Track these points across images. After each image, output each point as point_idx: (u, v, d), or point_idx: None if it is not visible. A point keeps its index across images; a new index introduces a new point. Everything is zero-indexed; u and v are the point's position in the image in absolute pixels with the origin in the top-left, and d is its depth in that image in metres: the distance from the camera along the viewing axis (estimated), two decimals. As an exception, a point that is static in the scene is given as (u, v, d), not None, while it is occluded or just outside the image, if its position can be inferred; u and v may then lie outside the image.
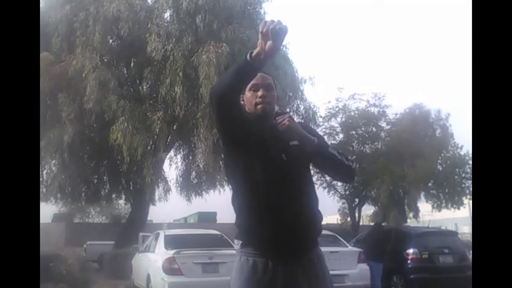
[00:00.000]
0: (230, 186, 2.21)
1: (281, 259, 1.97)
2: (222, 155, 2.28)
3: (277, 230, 1.96)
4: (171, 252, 7.65)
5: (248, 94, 2.11)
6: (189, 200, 15.16)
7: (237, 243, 2.10)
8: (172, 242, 8.24)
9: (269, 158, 2.03)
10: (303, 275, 1.99)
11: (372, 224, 23.25)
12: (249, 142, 2.03)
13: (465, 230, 29.47)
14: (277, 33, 1.72)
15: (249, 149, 2.03)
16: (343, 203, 21.35)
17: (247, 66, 1.82)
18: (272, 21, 1.72)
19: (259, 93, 2.08)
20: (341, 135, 19.87)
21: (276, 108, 2.24)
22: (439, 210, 20.94)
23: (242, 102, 2.14)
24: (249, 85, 2.07)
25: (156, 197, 14.60)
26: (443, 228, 21.18)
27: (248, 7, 12.83)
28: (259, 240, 2.00)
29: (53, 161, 12.68)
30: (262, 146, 2.04)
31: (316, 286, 2.01)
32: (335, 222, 22.85)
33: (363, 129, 19.54)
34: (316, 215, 2.11)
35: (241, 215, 2.09)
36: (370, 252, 8.91)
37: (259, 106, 2.08)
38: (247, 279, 1.98)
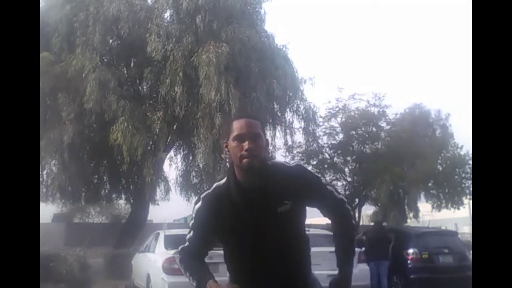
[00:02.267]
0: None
1: None
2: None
3: None
4: (171, 252, 7.64)
5: (232, 144, 1.88)
6: (189, 200, 15.15)
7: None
8: (172, 242, 8.23)
9: (253, 237, 1.89)
10: None
11: (372, 224, 23.27)
12: (230, 226, 1.92)
13: (465, 230, 29.46)
14: None
15: (230, 234, 1.95)
16: (343, 203, 21.30)
17: None
18: None
19: (245, 145, 1.83)
20: (341, 135, 19.86)
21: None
22: (439, 210, 20.94)
23: (225, 149, 1.98)
24: (234, 134, 1.88)
25: (156, 197, 14.60)
26: (443, 228, 21.19)
27: (248, 7, 12.83)
28: None
29: (53, 161, 12.68)
30: (245, 226, 1.89)
31: None
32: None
33: (363, 129, 19.53)
34: (305, 265, 2.04)
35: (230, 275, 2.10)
36: (376, 252, 8.92)
37: (244, 161, 1.83)
38: None
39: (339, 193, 2.03)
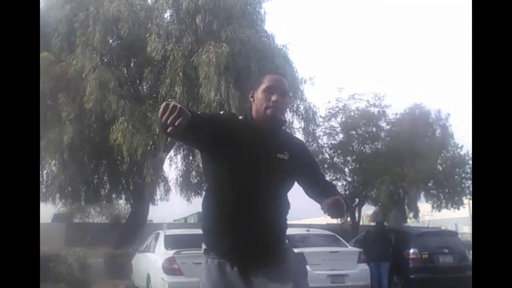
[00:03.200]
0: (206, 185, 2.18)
1: (244, 264, 1.97)
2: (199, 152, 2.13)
3: (239, 239, 1.93)
4: (171, 252, 7.65)
5: (260, 95, 2.00)
6: (189, 200, 15.17)
7: (202, 246, 2.07)
8: (172, 242, 8.24)
9: (247, 167, 1.94)
10: (270, 276, 1.96)
11: (372, 224, 23.27)
12: (232, 146, 1.93)
13: (465, 230, 29.46)
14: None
15: (229, 153, 1.94)
16: (343, 203, 21.30)
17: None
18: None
19: (273, 97, 1.97)
20: (341, 135, 19.87)
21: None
22: (439, 210, 20.94)
23: (250, 99, 2.07)
24: (264, 86, 2.00)
25: (156, 197, 14.61)
26: (443, 228, 21.19)
27: (248, 7, 12.83)
28: (220, 247, 1.99)
29: (53, 161, 12.67)
30: (245, 153, 1.94)
31: (287, 284, 1.96)
32: (335, 222, 22.85)
33: (363, 129, 19.53)
34: (281, 226, 2.08)
35: (206, 219, 2.05)
36: (377, 252, 8.93)
37: (269, 111, 1.97)
38: (216, 280, 1.98)
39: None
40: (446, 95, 51.75)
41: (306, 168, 2.11)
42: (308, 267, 5.25)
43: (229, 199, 1.95)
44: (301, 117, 13.99)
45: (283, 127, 2.16)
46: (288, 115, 13.95)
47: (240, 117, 2.08)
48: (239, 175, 1.94)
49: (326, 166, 19.59)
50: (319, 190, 2.08)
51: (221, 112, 2.18)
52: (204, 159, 2.13)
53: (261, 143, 1.98)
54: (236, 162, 1.94)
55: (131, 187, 14.53)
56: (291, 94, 2.06)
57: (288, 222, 2.18)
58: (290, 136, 2.25)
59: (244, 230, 1.93)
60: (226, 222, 1.95)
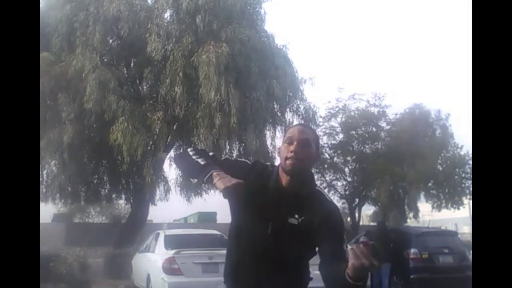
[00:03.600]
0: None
1: None
2: None
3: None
4: (171, 252, 7.66)
5: (282, 147, 1.98)
6: (189, 200, 15.16)
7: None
8: (172, 242, 8.25)
9: (255, 226, 1.95)
10: None
11: (372, 224, 23.28)
12: (250, 200, 1.94)
13: (465, 230, 29.48)
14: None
15: (244, 210, 1.98)
16: (343, 203, 21.38)
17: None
18: None
19: (292, 147, 1.91)
20: (341, 135, 19.88)
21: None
22: (439, 210, 20.96)
23: (278, 155, 2.07)
24: (285, 137, 1.98)
25: (156, 197, 14.60)
26: (443, 228, 21.21)
27: (248, 7, 12.82)
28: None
29: (53, 161, 12.66)
30: (256, 211, 1.94)
31: None
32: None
33: (363, 129, 19.55)
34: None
35: (226, 266, 2.12)
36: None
37: (288, 162, 1.90)
38: None
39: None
40: (446, 95, 51.70)
41: (321, 239, 1.88)
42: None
43: (239, 254, 2.00)
44: (301, 117, 13.98)
45: (314, 187, 2.01)
46: (288, 115, 13.97)
47: (271, 169, 2.06)
48: (247, 232, 1.97)
49: (326, 166, 19.61)
50: (326, 270, 1.81)
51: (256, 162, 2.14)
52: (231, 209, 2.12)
53: (275, 202, 1.93)
54: (248, 219, 1.97)
55: (131, 187, 14.52)
56: (319, 147, 1.94)
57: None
58: (320, 198, 1.97)
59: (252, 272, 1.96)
60: (236, 274, 2.01)
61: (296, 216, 1.90)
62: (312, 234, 1.87)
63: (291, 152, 1.90)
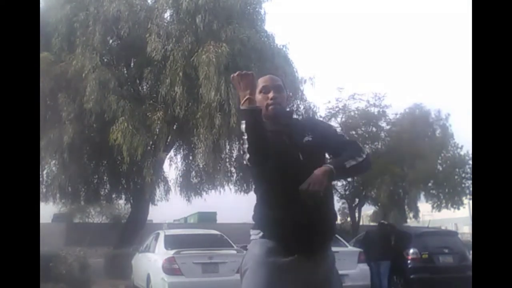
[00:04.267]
0: (255, 186, 2.27)
1: (298, 251, 2.04)
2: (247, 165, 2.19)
3: (296, 227, 2.03)
4: (171, 252, 7.66)
5: (258, 96, 2.16)
6: (189, 200, 15.16)
7: (256, 233, 2.14)
8: (172, 242, 8.25)
9: (287, 159, 2.08)
10: (315, 270, 2.06)
11: (372, 224, 23.26)
12: (268, 148, 2.06)
13: (465, 230, 29.48)
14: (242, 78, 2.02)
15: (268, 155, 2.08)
16: (343, 203, 21.38)
17: (248, 112, 1.99)
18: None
19: (270, 95, 2.16)
20: (341, 135, 19.83)
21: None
22: (439, 210, 20.96)
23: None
24: (259, 87, 2.18)
25: (156, 197, 14.60)
26: (443, 228, 21.21)
27: (248, 7, 12.82)
28: (279, 235, 2.07)
29: (53, 161, 12.67)
30: (279, 148, 2.07)
31: (326, 284, 2.09)
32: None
33: (363, 129, 19.54)
34: (332, 214, 2.18)
35: (263, 212, 2.15)
36: (377, 252, 8.94)
37: (270, 107, 2.15)
38: (264, 259, 2.04)
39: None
40: (446, 95, 51.75)
41: (328, 138, 2.22)
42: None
43: (282, 193, 2.06)
44: (301, 117, 13.99)
45: (292, 115, 2.32)
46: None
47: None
48: (284, 168, 2.06)
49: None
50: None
51: None
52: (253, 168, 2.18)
53: (287, 135, 2.13)
54: (278, 158, 2.05)
55: (131, 187, 14.53)
56: (287, 90, 2.17)
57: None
58: (301, 120, 2.49)
59: (299, 219, 2.02)
60: (283, 213, 2.05)
61: (308, 133, 2.16)
62: (323, 146, 2.19)
63: (271, 99, 2.15)
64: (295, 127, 2.20)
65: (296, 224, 2.03)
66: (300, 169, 2.05)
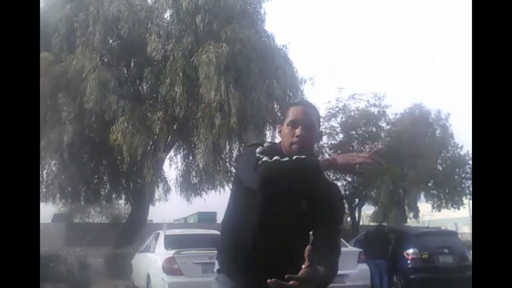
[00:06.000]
0: (228, 205, 2.06)
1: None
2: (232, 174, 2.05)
3: (256, 268, 1.86)
4: (171, 252, 7.65)
5: (285, 129, 1.92)
6: (189, 200, 15.16)
7: (216, 266, 2.01)
8: (172, 242, 8.24)
9: (266, 206, 1.88)
10: None
11: (372, 224, 23.26)
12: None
13: (465, 230, 29.48)
14: None
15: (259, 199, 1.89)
16: (343, 203, 21.36)
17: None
18: None
19: (297, 131, 1.87)
20: (341, 135, 19.87)
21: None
22: (439, 210, 20.97)
23: (278, 135, 2.01)
24: (288, 120, 1.91)
25: (156, 197, 14.60)
26: (443, 228, 21.21)
27: (248, 7, 12.82)
28: (237, 271, 1.93)
29: (53, 161, 12.67)
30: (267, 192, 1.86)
31: None
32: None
33: (363, 129, 19.54)
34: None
35: (224, 242, 2.01)
36: (377, 251, 8.97)
37: (294, 146, 1.86)
38: None
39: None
40: (446, 95, 51.79)
41: (320, 219, 1.88)
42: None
43: (248, 231, 1.89)
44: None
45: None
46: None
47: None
48: (259, 210, 1.88)
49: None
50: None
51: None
52: (237, 187, 2.03)
53: (280, 191, 1.87)
54: (259, 199, 1.87)
55: (131, 187, 14.53)
56: (320, 126, 1.92)
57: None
58: (324, 180, 1.95)
59: (261, 261, 1.87)
60: (244, 250, 1.90)
61: (304, 199, 1.88)
62: (316, 216, 1.86)
63: (297, 137, 1.86)
64: (300, 184, 1.85)
65: (253, 265, 1.87)
66: (276, 222, 1.86)
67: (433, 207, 20.99)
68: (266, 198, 1.86)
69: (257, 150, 1.86)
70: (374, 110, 19.59)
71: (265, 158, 1.78)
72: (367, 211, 26.81)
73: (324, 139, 19.21)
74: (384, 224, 10.73)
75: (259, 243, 1.88)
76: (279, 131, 1.99)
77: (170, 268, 7.40)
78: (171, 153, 14.21)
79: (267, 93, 12.11)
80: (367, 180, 18.52)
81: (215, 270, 2.02)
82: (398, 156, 18.50)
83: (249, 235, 1.89)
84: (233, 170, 14.11)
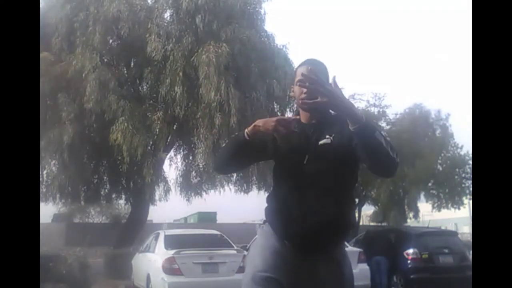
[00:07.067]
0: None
1: (304, 253, 2.03)
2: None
3: (301, 229, 2.00)
4: (171, 252, 7.66)
5: (295, 89, 2.15)
6: (189, 200, 15.14)
7: (265, 225, 2.16)
8: (172, 242, 8.25)
9: (290, 163, 2.07)
10: (324, 271, 2.05)
11: (372, 224, 23.26)
12: (282, 143, 2.08)
13: (465, 230, 29.47)
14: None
15: (279, 152, 2.11)
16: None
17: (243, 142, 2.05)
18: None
19: (305, 88, 2.04)
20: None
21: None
22: (439, 210, 20.96)
23: (292, 94, 2.24)
24: (296, 79, 2.13)
25: (156, 197, 14.59)
26: (443, 228, 21.21)
27: (248, 7, 12.81)
28: (286, 235, 2.05)
29: (53, 161, 12.66)
30: (290, 147, 2.07)
31: (336, 285, 2.06)
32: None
33: (363, 129, 19.51)
34: (340, 217, 2.07)
35: (272, 209, 2.16)
36: (377, 251, 9.00)
37: (303, 103, 2.07)
38: (276, 259, 2.01)
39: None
40: (446, 95, 51.83)
41: (355, 146, 1.95)
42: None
43: (286, 191, 2.07)
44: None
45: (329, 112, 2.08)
46: (289, 115, 13.95)
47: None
48: (290, 169, 2.07)
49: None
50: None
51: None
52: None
53: (304, 134, 2.07)
54: (284, 157, 2.09)
55: (131, 187, 14.51)
56: (329, 79, 2.10)
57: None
58: (334, 116, 2.08)
59: (301, 218, 2.00)
60: (287, 211, 2.05)
61: (328, 136, 2.04)
62: (346, 148, 1.97)
63: (304, 93, 2.04)
64: (321, 125, 2.07)
65: (298, 227, 2.00)
66: (301, 174, 2.02)
67: (433, 207, 20.98)
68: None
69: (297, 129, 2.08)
70: (374, 110, 19.60)
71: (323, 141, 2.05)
72: (367, 211, 26.79)
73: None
74: (384, 224, 10.75)
75: (294, 202, 2.03)
76: (292, 91, 2.21)
77: (170, 268, 7.41)
78: (171, 153, 14.20)
79: (267, 93, 12.11)
80: (367, 180, 18.52)
81: (262, 221, 2.23)
82: (398, 156, 18.50)
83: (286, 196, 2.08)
84: (233, 170, 14.11)
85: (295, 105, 13.91)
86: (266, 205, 2.21)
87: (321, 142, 2.03)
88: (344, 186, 2.10)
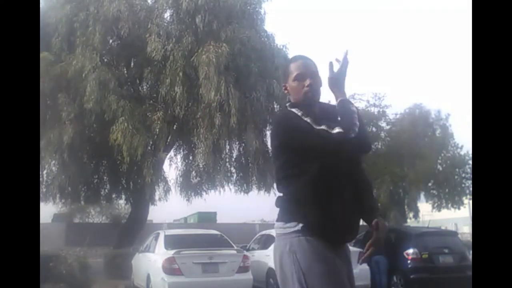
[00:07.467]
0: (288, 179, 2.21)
1: (332, 244, 2.06)
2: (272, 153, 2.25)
3: (330, 219, 2.02)
4: (171, 252, 7.65)
5: (293, 84, 2.16)
6: (189, 200, 15.14)
7: (293, 225, 2.09)
8: (172, 242, 8.24)
9: (315, 148, 2.05)
10: (348, 261, 2.16)
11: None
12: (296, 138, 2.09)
13: (465, 230, 29.46)
14: None
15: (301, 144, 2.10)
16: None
17: None
18: None
19: (306, 82, 2.12)
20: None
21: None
22: (439, 210, 20.95)
23: (285, 92, 2.24)
24: (294, 75, 2.15)
25: (156, 197, 14.59)
26: (443, 228, 21.20)
27: (248, 7, 12.82)
28: (316, 226, 2.05)
29: (53, 161, 12.65)
30: (310, 136, 2.04)
31: (350, 278, 2.13)
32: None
33: (363, 129, 19.53)
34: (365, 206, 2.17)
35: (299, 203, 2.12)
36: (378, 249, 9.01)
37: (307, 95, 2.11)
38: (311, 254, 2.02)
39: None
40: (446, 95, 51.83)
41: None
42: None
43: (312, 181, 2.04)
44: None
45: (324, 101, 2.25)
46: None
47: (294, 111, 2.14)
48: (314, 157, 2.04)
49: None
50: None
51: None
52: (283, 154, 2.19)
53: (319, 122, 2.07)
54: (309, 147, 2.05)
55: (131, 187, 14.51)
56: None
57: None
58: (331, 105, 2.21)
59: (332, 210, 2.03)
60: (319, 204, 2.05)
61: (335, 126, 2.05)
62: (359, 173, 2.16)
63: (307, 86, 2.11)
64: (326, 113, 2.13)
65: (327, 216, 2.03)
66: (336, 169, 2.06)
67: (433, 207, 20.97)
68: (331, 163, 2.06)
69: (308, 119, 2.04)
70: (374, 110, 19.60)
71: (336, 130, 1.98)
72: (367, 211, 26.77)
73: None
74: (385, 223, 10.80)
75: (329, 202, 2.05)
76: (285, 89, 2.23)
77: (170, 268, 7.41)
78: (171, 153, 14.20)
79: (267, 93, 12.12)
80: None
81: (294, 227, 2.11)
82: (398, 156, 18.51)
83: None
84: (233, 170, 14.12)
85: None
86: (278, 207, 2.16)
87: (334, 131, 2.00)
88: (363, 171, 2.23)
